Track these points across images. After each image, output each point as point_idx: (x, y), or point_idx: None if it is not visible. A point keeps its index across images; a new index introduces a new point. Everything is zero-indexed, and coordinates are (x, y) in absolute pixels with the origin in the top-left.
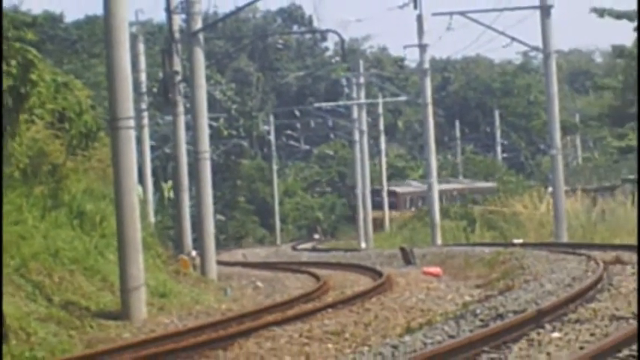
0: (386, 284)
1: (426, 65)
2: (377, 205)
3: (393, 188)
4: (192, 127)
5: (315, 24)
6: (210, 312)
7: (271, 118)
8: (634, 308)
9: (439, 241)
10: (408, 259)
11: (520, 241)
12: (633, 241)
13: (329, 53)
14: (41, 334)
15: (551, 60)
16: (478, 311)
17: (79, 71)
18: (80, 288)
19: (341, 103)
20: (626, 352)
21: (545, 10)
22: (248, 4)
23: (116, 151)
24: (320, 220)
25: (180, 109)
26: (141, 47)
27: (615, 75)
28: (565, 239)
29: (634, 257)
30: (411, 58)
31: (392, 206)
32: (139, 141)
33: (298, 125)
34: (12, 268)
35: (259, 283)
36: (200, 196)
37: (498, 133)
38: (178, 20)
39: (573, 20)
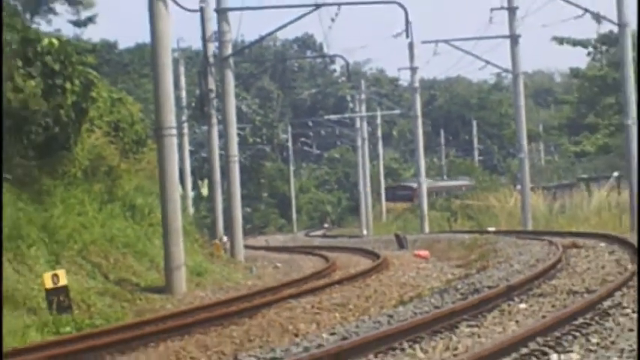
0: (383, 265)
1: (416, 84)
2: (396, 198)
3: (410, 184)
4: (223, 136)
5: (325, 50)
6: (238, 287)
7: (289, 128)
8: (587, 284)
9: (427, 229)
10: (401, 244)
11: (493, 228)
12: (586, 229)
13: (336, 74)
14: (99, 306)
15: (519, 80)
16: (459, 287)
17: (131, 89)
18: (131, 267)
19: (346, 115)
20: (580, 320)
21: (514, 39)
22: (269, 34)
23: (161, 155)
24: (329, 212)
25: (214, 120)
26: (181, 69)
27: (572, 92)
28: (530, 227)
29: (588, 242)
30: (404, 78)
31: (408, 199)
32: (180, 147)
33: (311, 133)
34: (75, 251)
35: (279, 264)
36: (230, 192)
37: (475, 140)
38: (212, 47)
39: (537, 47)
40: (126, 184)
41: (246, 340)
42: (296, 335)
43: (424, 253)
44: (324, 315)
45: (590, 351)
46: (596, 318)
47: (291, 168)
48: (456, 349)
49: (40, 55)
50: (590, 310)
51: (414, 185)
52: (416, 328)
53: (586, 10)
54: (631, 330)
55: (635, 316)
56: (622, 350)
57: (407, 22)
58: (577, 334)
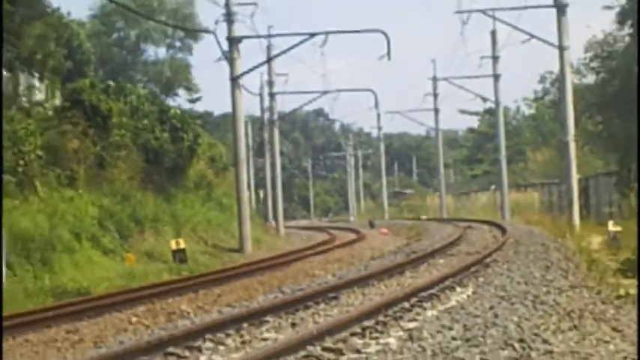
0: (361, 237)
1: (381, 137)
2: (395, 197)
3: (400, 190)
4: (272, 164)
5: (330, 116)
6: (281, 250)
7: (309, 160)
8: (477, 249)
9: (387, 217)
10: (372, 225)
11: (425, 217)
12: (476, 217)
13: (336, 130)
14: (201, 260)
15: (439, 134)
16: (405, 250)
17: (220, 138)
18: (220, 237)
19: (341, 153)
20: (473, 269)
21: (436, 111)
22: (299, 107)
23: (237, 175)
24: (332, 207)
25: (267, 156)
26: (249, 127)
27: (469, 141)
28: (445, 216)
29: (477, 225)
30: (375, 132)
31: (401, 197)
32: (247, 170)
33: (322, 163)
34: (189, 229)
35: (304, 236)
36: (275, 195)
37: (415, 168)
38: (266, 114)
39: (450, 114)
40: (217, 191)
41: (285, 279)
42: (313, 276)
43: (385, 231)
44: (329, 265)
45: (479, 286)
46: (482, 268)
47: (310, 183)
48: (404, 284)
49: (169, 119)
50: (478, 263)
51: (404, 191)
52: (380, 273)
53: (477, 95)
54: (501, 274)
55: (504, 266)
56: (496, 286)
57: (376, 101)
58: (471, 276)
